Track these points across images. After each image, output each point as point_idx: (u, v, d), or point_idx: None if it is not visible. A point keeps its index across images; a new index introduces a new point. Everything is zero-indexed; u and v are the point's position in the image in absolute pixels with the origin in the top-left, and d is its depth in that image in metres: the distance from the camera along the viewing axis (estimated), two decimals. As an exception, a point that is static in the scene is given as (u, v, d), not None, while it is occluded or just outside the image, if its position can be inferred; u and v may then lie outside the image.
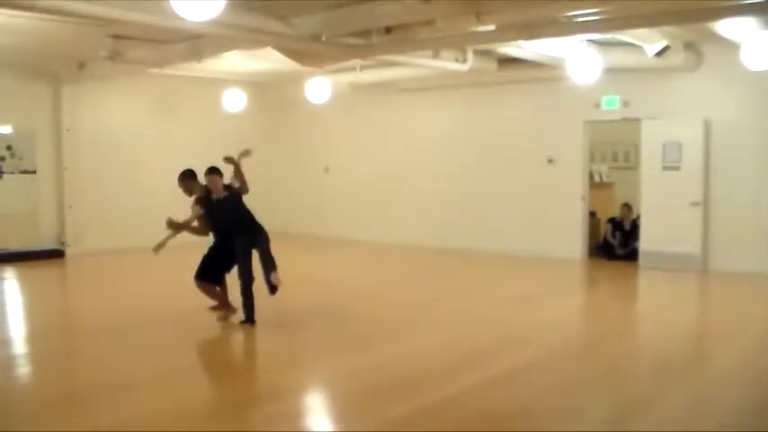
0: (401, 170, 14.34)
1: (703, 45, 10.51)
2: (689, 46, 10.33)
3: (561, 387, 5.72)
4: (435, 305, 8.84)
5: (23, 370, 6.35)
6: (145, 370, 6.12)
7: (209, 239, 7.96)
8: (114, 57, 9.93)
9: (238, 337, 7.49)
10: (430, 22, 7.80)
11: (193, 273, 7.76)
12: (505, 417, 5.06)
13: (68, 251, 12.75)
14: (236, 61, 11.42)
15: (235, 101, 12.52)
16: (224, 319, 7.75)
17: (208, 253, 7.84)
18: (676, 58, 10.06)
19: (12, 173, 13.43)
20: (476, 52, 10.71)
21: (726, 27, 8.39)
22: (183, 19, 6.02)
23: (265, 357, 6.88)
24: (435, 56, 10.07)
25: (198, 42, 9.17)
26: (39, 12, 6.94)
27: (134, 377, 5.90)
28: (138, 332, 7.40)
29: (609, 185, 13.75)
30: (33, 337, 7.55)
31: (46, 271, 11.65)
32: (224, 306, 7.98)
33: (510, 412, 5.16)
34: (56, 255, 12.57)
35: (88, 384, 5.87)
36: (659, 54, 9.53)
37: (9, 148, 13.62)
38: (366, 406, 5.24)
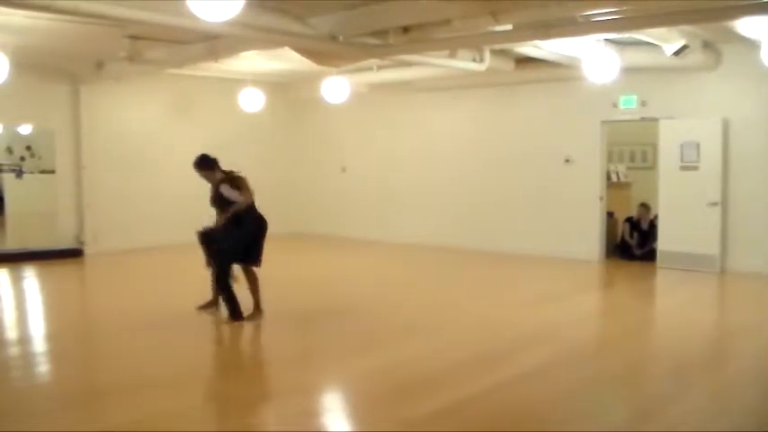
0: (418, 170, 14.34)
1: (722, 44, 10.43)
2: (707, 45, 10.27)
3: (578, 387, 5.71)
4: (452, 305, 8.84)
5: (43, 368, 6.41)
6: (161, 369, 6.16)
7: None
8: (132, 57, 10.00)
9: (255, 336, 7.52)
10: (447, 22, 7.80)
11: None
12: (522, 417, 5.05)
13: (87, 250, 12.84)
14: (253, 61, 11.46)
15: (252, 100, 12.55)
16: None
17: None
18: (694, 57, 10.00)
19: (31, 172, 13.58)
20: (493, 52, 10.69)
21: (745, 26, 8.34)
22: (200, 19, 6.05)
23: (280, 357, 6.87)
24: (452, 55, 10.07)
25: (215, 42, 9.21)
26: (55, 12, 6.98)
27: (150, 376, 5.93)
28: (154, 331, 7.44)
29: (626, 185, 13.69)
30: (52, 335, 7.61)
31: (65, 270, 11.73)
32: (216, 302, 8.01)
33: (527, 412, 5.15)
34: (74, 254, 12.66)
35: (105, 383, 5.92)
36: (677, 53, 9.47)
37: (29, 148, 13.78)
38: (381, 406, 5.24)
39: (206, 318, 7.91)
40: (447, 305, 8.84)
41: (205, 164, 7.71)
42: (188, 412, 5.14)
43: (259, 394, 5.78)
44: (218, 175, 7.68)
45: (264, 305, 7.75)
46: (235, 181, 7.60)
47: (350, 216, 15.42)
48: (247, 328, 7.56)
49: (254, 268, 7.79)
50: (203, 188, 7.85)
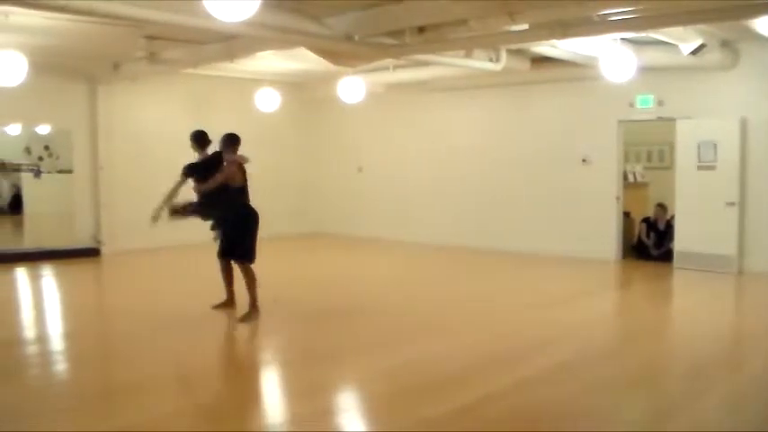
0: (434, 170, 14.33)
1: (740, 43, 10.35)
2: (725, 44, 10.20)
3: (594, 387, 5.68)
4: (467, 305, 8.82)
5: (60, 367, 6.44)
6: (175, 368, 6.20)
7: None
8: (149, 57, 10.04)
9: (269, 335, 7.53)
10: (463, 22, 7.79)
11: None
12: (538, 417, 5.03)
13: (104, 250, 12.91)
14: (269, 61, 11.49)
15: (268, 100, 12.57)
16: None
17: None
18: (712, 56, 9.94)
19: (49, 172, 13.68)
20: (509, 51, 10.66)
21: (763, 24, 8.28)
22: (216, 20, 6.06)
23: (294, 356, 6.86)
24: (468, 55, 10.05)
25: (232, 43, 9.24)
26: (71, 13, 7.03)
27: (164, 375, 5.97)
28: (169, 330, 7.47)
29: (643, 185, 13.62)
30: (69, 334, 7.65)
31: (82, 269, 11.81)
32: (231, 302, 8.03)
33: (543, 412, 5.14)
34: (91, 253, 12.73)
35: (119, 383, 5.94)
36: (694, 52, 9.42)
37: (47, 147, 13.88)
38: (399, 405, 5.23)
39: (221, 317, 7.94)
40: (462, 305, 8.82)
41: (196, 140, 8.22)
42: (200, 412, 5.17)
43: (277, 393, 5.79)
44: (205, 155, 8.05)
45: (280, 305, 7.75)
46: (210, 165, 7.76)
47: (366, 216, 15.42)
48: (262, 327, 7.58)
49: (250, 265, 7.77)
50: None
